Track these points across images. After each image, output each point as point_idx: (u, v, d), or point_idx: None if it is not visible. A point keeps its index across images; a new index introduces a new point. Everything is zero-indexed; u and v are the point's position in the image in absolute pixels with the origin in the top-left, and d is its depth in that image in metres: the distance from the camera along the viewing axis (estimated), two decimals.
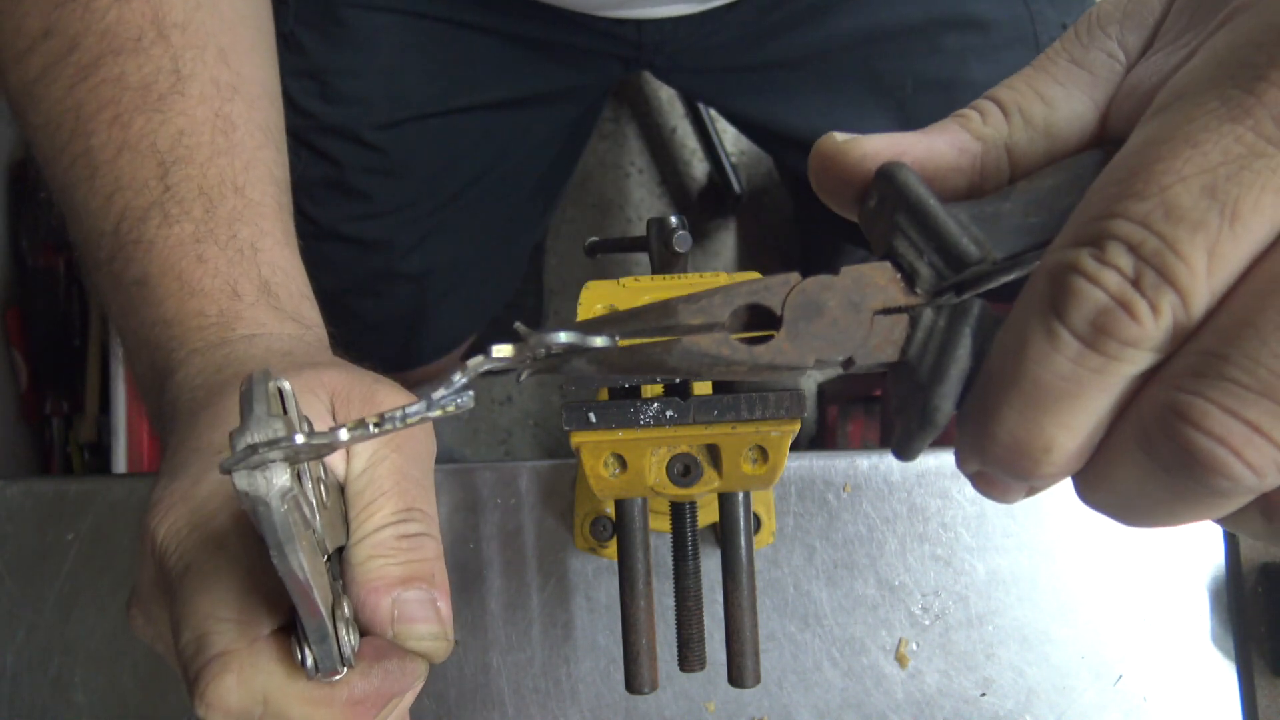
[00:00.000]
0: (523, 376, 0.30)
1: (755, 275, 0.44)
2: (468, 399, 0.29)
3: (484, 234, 0.96)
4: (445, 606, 0.39)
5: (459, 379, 0.29)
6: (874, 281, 0.28)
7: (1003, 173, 0.29)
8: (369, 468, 0.40)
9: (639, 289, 0.44)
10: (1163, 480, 0.24)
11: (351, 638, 0.36)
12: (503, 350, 0.29)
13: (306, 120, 0.84)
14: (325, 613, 0.33)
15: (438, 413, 0.29)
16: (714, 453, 0.44)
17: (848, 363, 0.28)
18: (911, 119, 0.86)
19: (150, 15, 0.52)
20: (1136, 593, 0.63)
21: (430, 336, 1.01)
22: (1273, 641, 0.61)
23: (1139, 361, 0.23)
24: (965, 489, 0.64)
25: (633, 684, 0.48)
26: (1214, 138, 0.22)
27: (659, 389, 0.45)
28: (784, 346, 0.28)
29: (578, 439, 0.43)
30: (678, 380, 0.42)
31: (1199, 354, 0.23)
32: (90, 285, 0.53)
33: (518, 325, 0.29)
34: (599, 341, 0.29)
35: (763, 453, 0.44)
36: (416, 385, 1.14)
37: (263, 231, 0.50)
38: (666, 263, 0.49)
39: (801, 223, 1.61)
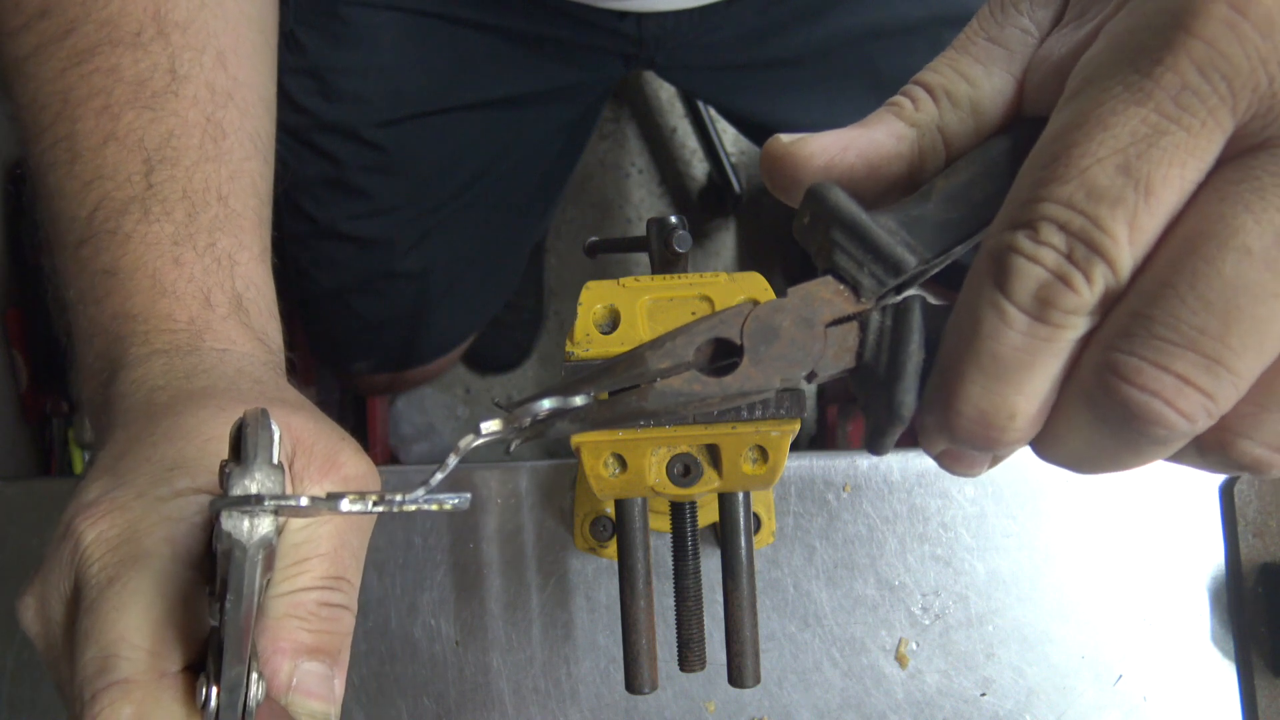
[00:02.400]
0: (512, 448, 0.32)
1: (755, 275, 0.44)
2: (464, 500, 0.30)
3: (484, 233, 0.96)
4: (340, 685, 0.39)
5: (452, 460, 0.31)
6: (821, 296, 0.30)
7: (939, 153, 0.31)
8: (310, 524, 0.39)
9: (639, 289, 0.44)
10: (1108, 433, 0.27)
11: (259, 692, 0.35)
12: (491, 425, 0.31)
13: (306, 118, 0.84)
14: (245, 664, 0.32)
15: (434, 507, 0.30)
16: (714, 453, 0.44)
17: (810, 376, 0.30)
18: None
19: (152, 11, 0.52)
20: (1136, 593, 0.63)
21: (430, 335, 1.01)
22: (1273, 641, 0.61)
23: (1080, 326, 0.26)
24: (965, 489, 0.64)
25: (633, 684, 0.48)
26: (1122, 120, 0.24)
27: None
28: (750, 373, 0.30)
29: (578, 439, 0.43)
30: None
31: (1128, 315, 0.25)
32: (49, 266, 0.53)
33: (497, 401, 0.31)
34: (579, 401, 0.31)
35: (763, 453, 0.44)
36: (416, 384, 1.14)
37: (241, 244, 0.50)
38: (666, 263, 0.49)
39: None
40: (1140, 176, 0.24)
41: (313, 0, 0.83)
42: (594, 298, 0.44)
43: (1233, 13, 0.23)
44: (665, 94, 1.70)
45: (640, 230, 0.58)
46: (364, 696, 0.63)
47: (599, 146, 1.69)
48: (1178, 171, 0.24)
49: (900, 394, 0.28)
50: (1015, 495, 0.64)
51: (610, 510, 0.59)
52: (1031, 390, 0.27)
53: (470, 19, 0.84)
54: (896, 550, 0.63)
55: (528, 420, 0.31)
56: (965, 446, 0.29)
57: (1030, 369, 0.26)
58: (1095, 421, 0.26)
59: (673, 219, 0.48)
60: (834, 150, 0.31)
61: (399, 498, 0.30)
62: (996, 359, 0.26)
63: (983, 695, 0.63)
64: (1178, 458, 0.28)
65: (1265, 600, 0.62)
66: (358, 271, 0.91)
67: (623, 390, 0.31)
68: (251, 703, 0.34)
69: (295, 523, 0.39)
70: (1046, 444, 0.28)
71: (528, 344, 1.62)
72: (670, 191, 1.70)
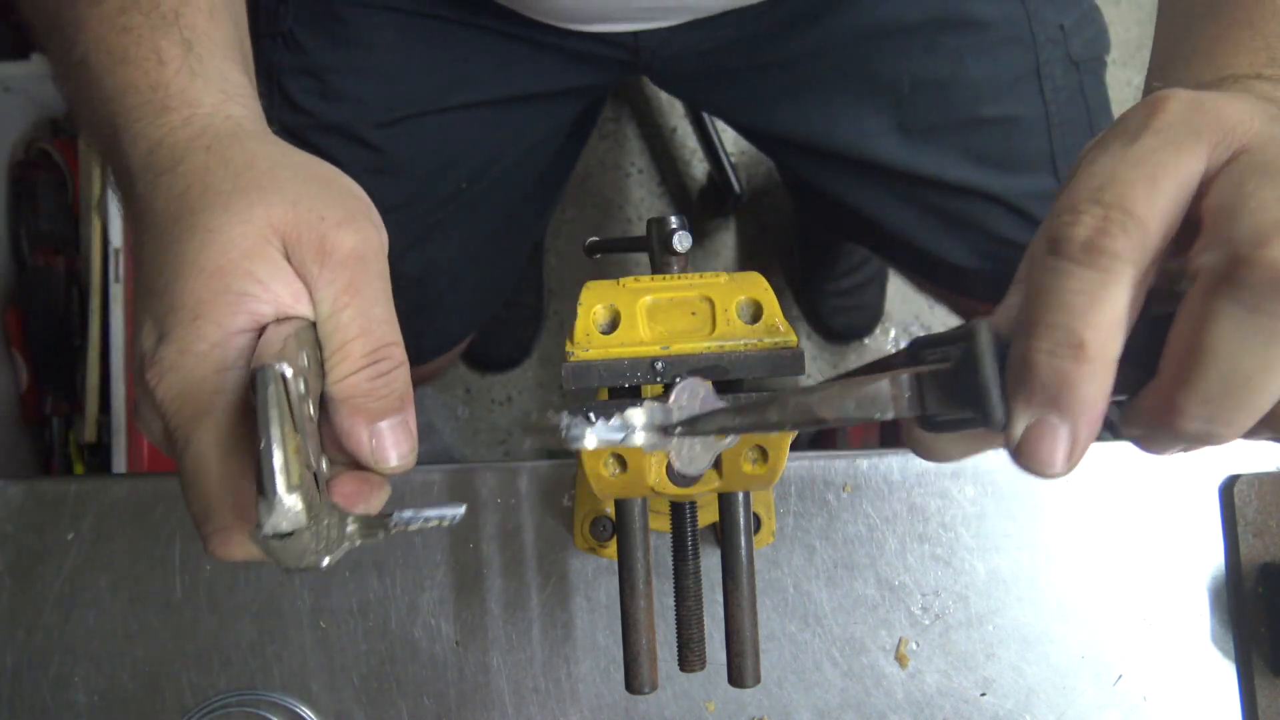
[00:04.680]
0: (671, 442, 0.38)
1: (755, 275, 0.44)
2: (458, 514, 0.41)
3: (482, 233, 0.95)
4: (413, 420, 0.44)
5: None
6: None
7: None
8: (333, 314, 0.43)
9: (639, 289, 0.44)
10: (1264, 325, 0.32)
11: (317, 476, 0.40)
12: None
13: (305, 118, 0.84)
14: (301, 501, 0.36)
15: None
16: None
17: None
18: (908, 118, 0.86)
19: None
20: (1136, 593, 0.63)
21: (428, 335, 1.01)
22: (1273, 641, 0.61)
23: (1127, 270, 0.33)
24: (965, 488, 0.64)
25: (633, 684, 0.48)
26: (1127, 153, 0.35)
27: (659, 389, 0.45)
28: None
29: None
30: (677, 380, 0.42)
31: (1250, 229, 0.32)
32: (58, 85, 0.53)
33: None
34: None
35: (763, 453, 0.44)
36: (415, 384, 1.13)
37: (185, 2, 0.50)
38: (666, 263, 0.49)
39: (801, 222, 1.61)
40: (1148, 171, 0.34)
41: (311, 1, 0.83)
42: (594, 298, 0.44)
43: (1185, 105, 0.35)
44: (665, 94, 1.69)
45: (640, 230, 0.58)
46: (364, 696, 0.63)
47: (599, 146, 1.69)
48: (1174, 172, 0.34)
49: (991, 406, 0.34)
50: (1015, 495, 0.64)
51: (610, 510, 0.59)
52: (1099, 323, 0.33)
53: (468, 21, 0.84)
54: (896, 550, 0.63)
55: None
56: (1044, 408, 0.34)
57: (1093, 305, 0.32)
58: (1249, 317, 0.32)
59: (673, 219, 0.48)
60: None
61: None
62: (1061, 302, 0.33)
63: (983, 695, 0.63)
64: None
65: (1265, 600, 0.62)
66: None
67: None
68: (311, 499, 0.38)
69: (320, 314, 0.43)
70: (1194, 381, 0.33)
71: (528, 343, 1.62)
72: (670, 191, 1.70)
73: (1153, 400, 0.35)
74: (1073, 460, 0.35)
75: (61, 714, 0.63)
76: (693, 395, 0.37)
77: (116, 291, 1.17)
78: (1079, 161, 0.37)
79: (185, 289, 0.42)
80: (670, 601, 0.52)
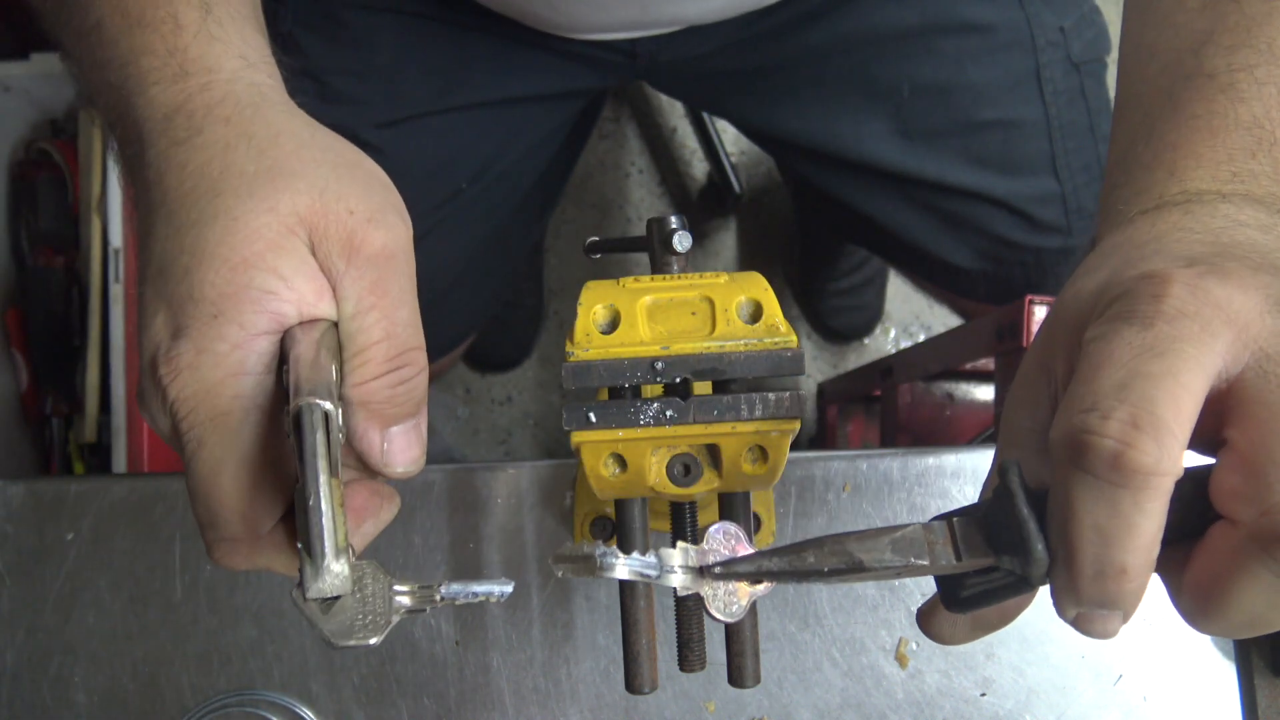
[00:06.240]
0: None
1: (755, 275, 0.44)
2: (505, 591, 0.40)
3: (482, 234, 0.96)
4: (424, 424, 0.43)
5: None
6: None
7: None
8: (356, 315, 0.42)
9: (639, 289, 0.44)
10: None
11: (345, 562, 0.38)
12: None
13: None
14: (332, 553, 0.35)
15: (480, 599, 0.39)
16: (714, 453, 0.44)
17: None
18: (908, 122, 0.86)
19: None
20: None
21: (429, 337, 1.01)
22: (1273, 641, 0.61)
23: (1161, 484, 0.31)
24: (965, 489, 0.64)
25: (633, 684, 0.48)
26: (1140, 338, 0.33)
27: (659, 389, 0.45)
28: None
29: (578, 439, 0.43)
30: (677, 380, 0.42)
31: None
32: (65, 60, 0.52)
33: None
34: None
35: (763, 453, 0.44)
36: None
37: None
38: (666, 263, 0.49)
39: (801, 223, 1.61)
40: (1171, 364, 0.32)
41: (311, 3, 0.83)
42: (594, 298, 0.44)
43: (1188, 290, 0.33)
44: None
45: (640, 230, 0.58)
46: (364, 696, 0.63)
47: (599, 146, 1.69)
48: (1196, 367, 0.32)
49: (1032, 545, 0.34)
50: None
51: (610, 510, 0.59)
52: (1138, 546, 0.32)
53: (467, 22, 0.84)
54: None
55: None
56: (1092, 608, 0.34)
57: (1131, 532, 0.32)
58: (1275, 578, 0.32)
59: (672, 219, 0.48)
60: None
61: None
62: (1098, 532, 0.32)
63: (983, 695, 0.63)
64: None
65: None
66: None
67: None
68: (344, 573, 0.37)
69: (345, 313, 0.41)
70: (1216, 613, 0.34)
71: (528, 343, 1.62)
72: (670, 191, 1.70)
73: (1179, 608, 0.36)
74: (1125, 622, 0.36)
75: (61, 714, 0.63)
76: (726, 536, 0.36)
77: (116, 291, 1.17)
78: (1087, 344, 0.35)
79: (205, 280, 0.40)
80: (670, 601, 0.52)
